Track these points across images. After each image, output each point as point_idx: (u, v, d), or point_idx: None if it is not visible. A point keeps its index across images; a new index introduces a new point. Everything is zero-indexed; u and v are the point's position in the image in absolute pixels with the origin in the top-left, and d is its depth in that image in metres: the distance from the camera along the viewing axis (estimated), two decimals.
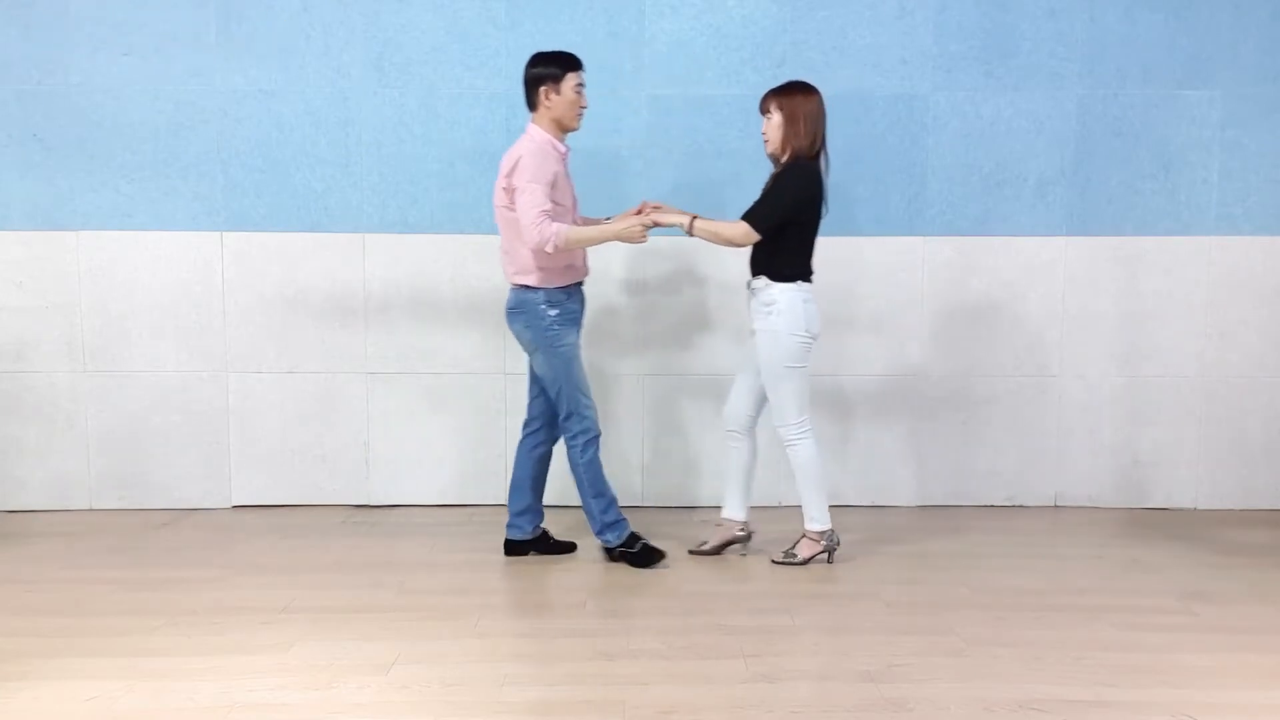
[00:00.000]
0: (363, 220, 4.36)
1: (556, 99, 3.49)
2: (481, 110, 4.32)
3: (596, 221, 3.66)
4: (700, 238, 3.54)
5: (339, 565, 3.67)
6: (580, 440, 3.61)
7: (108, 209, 4.31)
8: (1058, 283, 4.44)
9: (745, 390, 3.73)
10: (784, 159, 3.55)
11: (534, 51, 3.58)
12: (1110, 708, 2.53)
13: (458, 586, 3.44)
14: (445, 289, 4.40)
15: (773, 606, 3.25)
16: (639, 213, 3.60)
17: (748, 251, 3.61)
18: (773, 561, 3.70)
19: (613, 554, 3.69)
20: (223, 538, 4.03)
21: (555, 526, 3.90)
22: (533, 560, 3.75)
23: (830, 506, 3.70)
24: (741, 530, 3.80)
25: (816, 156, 3.53)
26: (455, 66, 4.31)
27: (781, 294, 3.53)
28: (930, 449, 4.51)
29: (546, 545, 3.83)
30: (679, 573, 3.61)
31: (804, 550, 3.69)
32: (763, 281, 3.56)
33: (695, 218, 3.51)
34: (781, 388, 3.58)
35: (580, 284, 3.67)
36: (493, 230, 4.35)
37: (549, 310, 3.54)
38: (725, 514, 3.82)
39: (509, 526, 3.80)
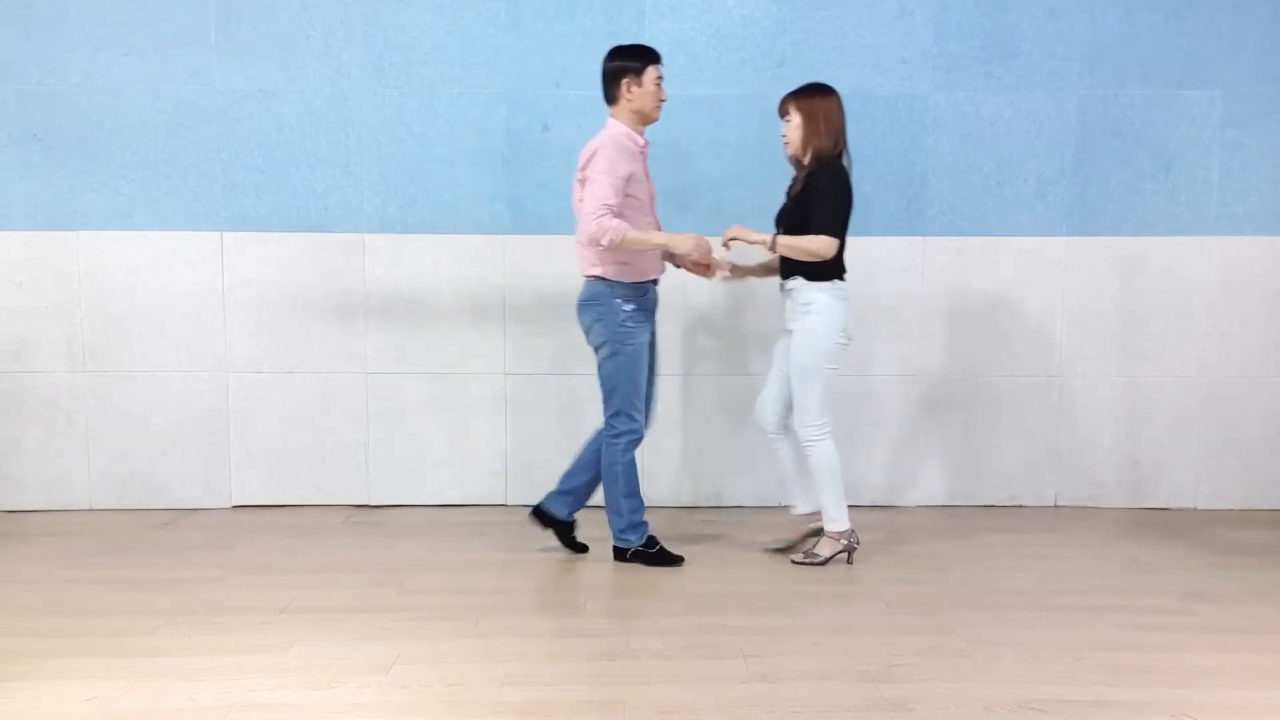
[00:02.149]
0: (363, 220, 4.37)
1: (638, 91, 3.51)
2: (481, 110, 4.32)
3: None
4: (783, 254, 3.54)
5: (339, 565, 3.67)
6: (624, 440, 3.61)
7: (108, 209, 4.31)
8: (1058, 283, 4.44)
9: (777, 390, 3.73)
10: (806, 160, 3.56)
11: (613, 46, 3.60)
12: (1110, 708, 2.53)
13: (458, 586, 3.44)
14: (445, 289, 4.40)
15: (773, 606, 3.25)
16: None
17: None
18: (793, 562, 3.70)
19: (628, 555, 3.69)
20: (223, 538, 4.03)
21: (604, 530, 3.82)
22: (532, 560, 3.74)
23: (853, 506, 3.72)
24: (817, 523, 3.79)
25: (839, 156, 3.55)
26: (455, 66, 4.31)
27: (819, 294, 3.54)
28: (930, 449, 4.51)
29: (567, 536, 3.81)
30: (679, 573, 3.61)
31: (825, 549, 3.69)
32: (799, 282, 3.57)
33: (775, 235, 3.53)
34: (811, 388, 3.58)
35: (656, 281, 3.65)
36: (492, 230, 4.38)
37: (624, 306, 3.53)
38: (796, 510, 3.82)
39: (549, 495, 3.78)
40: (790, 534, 3.84)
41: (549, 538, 3.82)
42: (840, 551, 3.70)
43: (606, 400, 3.62)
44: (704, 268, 3.70)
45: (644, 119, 3.56)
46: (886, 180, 4.38)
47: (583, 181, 3.49)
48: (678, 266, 3.73)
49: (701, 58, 4.32)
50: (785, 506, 3.93)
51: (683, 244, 3.52)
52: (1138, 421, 4.50)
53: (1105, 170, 4.39)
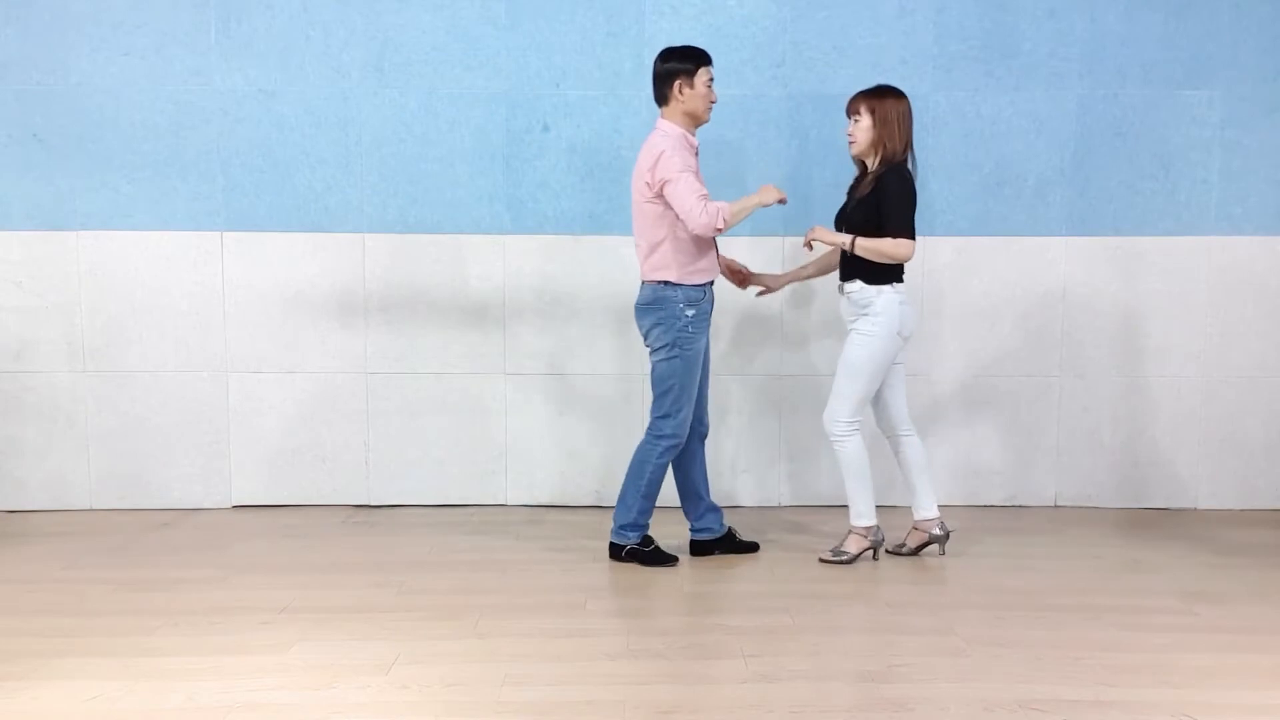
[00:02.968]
0: (363, 220, 4.36)
1: (690, 93, 3.53)
2: (481, 110, 4.32)
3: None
4: (863, 256, 3.53)
5: (339, 565, 3.67)
6: (664, 444, 3.62)
7: (108, 209, 4.31)
8: (1058, 283, 4.44)
9: (887, 391, 3.72)
10: (873, 161, 3.57)
11: (664, 48, 3.62)
12: (1110, 708, 2.53)
13: (458, 586, 3.44)
14: (445, 289, 4.40)
15: (773, 606, 3.25)
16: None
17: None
18: (820, 560, 3.70)
19: (622, 553, 3.69)
20: (223, 538, 4.03)
21: (657, 530, 3.80)
22: (532, 560, 3.75)
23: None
24: (939, 529, 3.78)
25: (906, 159, 3.57)
26: (455, 66, 4.31)
27: (878, 296, 3.56)
28: (930, 449, 4.50)
29: (731, 543, 3.83)
30: (679, 573, 3.61)
31: (853, 547, 3.70)
32: (858, 285, 3.58)
33: (855, 238, 3.53)
34: (854, 385, 3.60)
35: (713, 283, 3.66)
36: (491, 230, 4.37)
37: (687, 310, 3.55)
38: (918, 516, 3.80)
39: (695, 530, 3.80)
40: (911, 541, 3.82)
41: (551, 537, 3.82)
42: (867, 548, 3.70)
43: (658, 401, 3.62)
44: (740, 277, 3.82)
45: (695, 120, 3.58)
46: None
47: (651, 185, 3.49)
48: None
49: None
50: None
51: (769, 195, 3.55)
52: (1138, 421, 4.49)
53: (1105, 170, 4.39)
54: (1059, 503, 4.53)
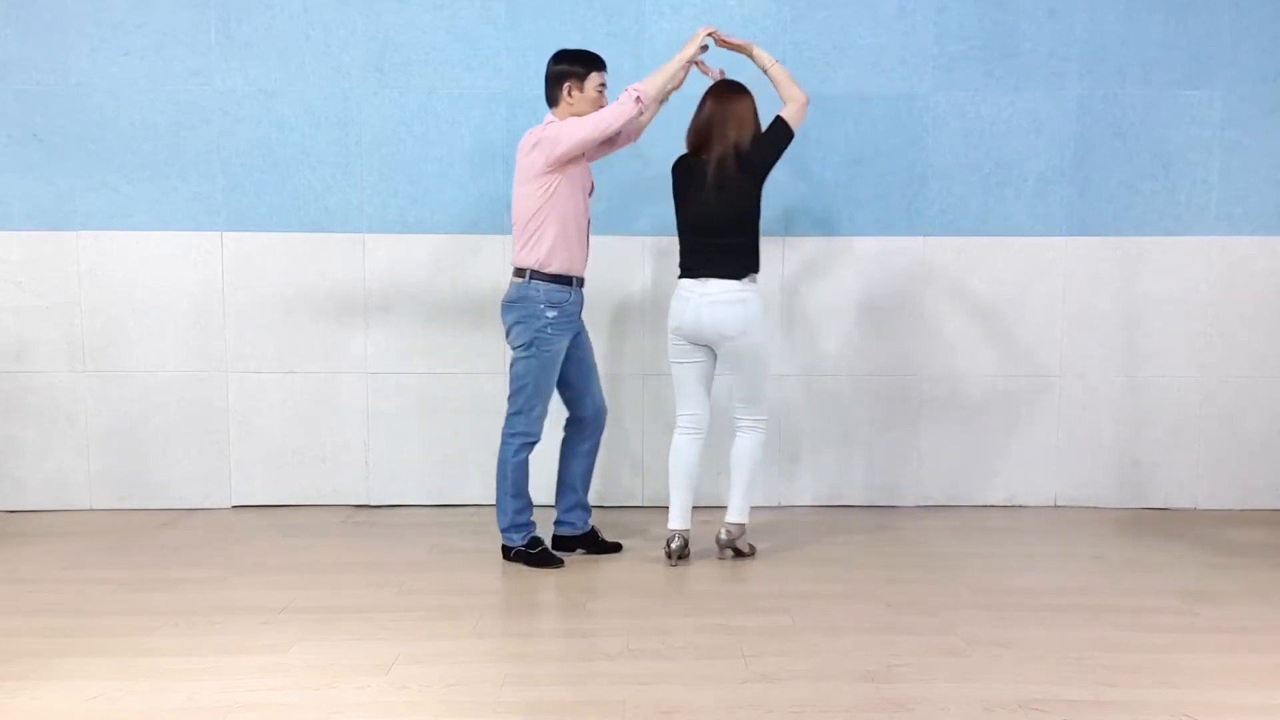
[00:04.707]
0: (363, 220, 4.37)
1: (579, 96, 3.55)
2: (481, 110, 4.32)
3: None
4: (777, 79, 3.59)
5: (339, 565, 3.67)
6: (518, 441, 3.64)
7: (108, 209, 4.31)
8: (1058, 283, 4.44)
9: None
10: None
11: (559, 49, 3.65)
12: (1110, 708, 2.53)
13: (458, 586, 3.44)
14: (445, 289, 4.40)
15: (773, 606, 3.25)
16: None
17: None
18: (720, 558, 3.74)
19: (511, 553, 3.70)
20: (223, 538, 4.03)
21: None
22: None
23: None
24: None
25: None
26: (455, 66, 4.31)
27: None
28: (930, 449, 4.51)
29: (596, 543, 3.83)
30: (679, 572, 3.61)
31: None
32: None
33: (775, 63, 3.61)
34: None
35: (580, 283, 3.67)
36: (490, 230, 4.37)
37: (547, 311, 3.55)
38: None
39: (558, 524, 3.82)
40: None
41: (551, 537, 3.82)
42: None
43: (511, 398, 3.65)
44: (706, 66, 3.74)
45: None
46: (887, 180, 4.38)
47: (532, 162, 3.50)
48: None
49: (702, 58, 4.31)
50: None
51: (691, 45, 3.58)
52: (1138, 421, 4.49)
53: (1105, 170, 4.39)
54: (1059, 503, 4.53)
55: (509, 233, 4.36)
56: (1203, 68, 4.34)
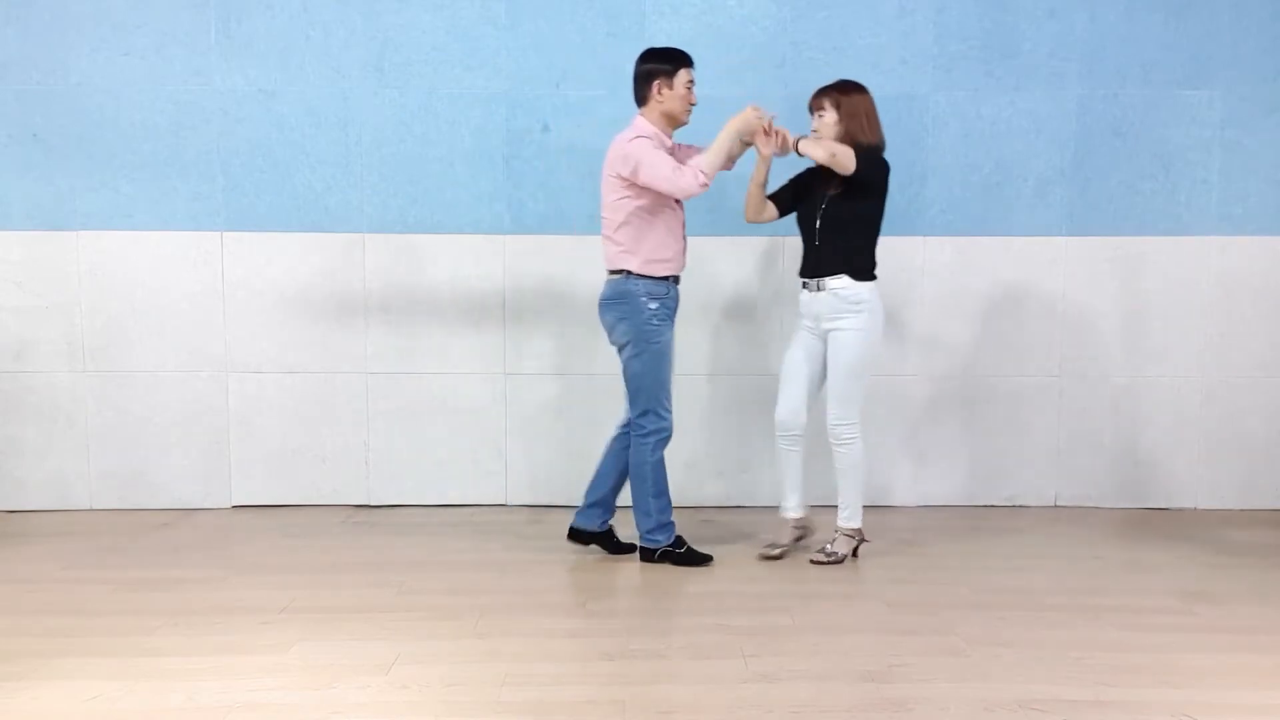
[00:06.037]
0: (363, 220, 4.37)
1: (669, 93, 3.54)
2: (481, 110, 4.32)
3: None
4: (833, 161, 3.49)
5: (339, 565, 3.67)
6: (653, 439, 3.61)
7: (108, 209, 4.31)
8: (1058, 283, 4.44)
9: (806, 393, 3.73)
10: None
11: (646, 48, 3.64)
12: (1110, 708, 2.53)
13: (458, 586, 3.44)
14: (445, 289, 4.40)
15: (773, 606, 3.25)
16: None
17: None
18: (812, 561, 3.69)
19: (655, 555, 3.67)
20: (223, 538, 4.03)
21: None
22: (532, 560, 3.74)
23: (832, 507, 3.74)
24: (806, 527, 3.82)
25: (880, 148, 3.60)
26: (455, 66, 4.31)
27: (868, 290, 3.59)
28: (930, 449, 4.51)
29: (610, 543, 3.80)
30: (679, 572, 3.61)
31: (843, 547, 3.73)
32: (844, 281, 3.58)
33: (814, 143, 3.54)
34: (859, 384, 3.64)
35: (678, 278, 3.65)
36: (490, 230, 4.38)
37: (649, 303, 3.54)
38: (790, 514, 3.81)
39: (579, 513, 3.79)
40: (785, 538, 3.82)
41: (551, 537, 3.82)
42: (855, 547, 3.73)
43: (633, 400, 3.62)
44: (780, 137, 3.60)
45: (673, 122, 3.58)
46: None
47: (619, 177, 3.48)
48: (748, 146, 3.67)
49: (702, 58, 4.28)
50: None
51: (745, 120, 3.53)
52: (1138, 421, 4.49)
53: (1105, 170, 4.39)
54: (1059, 503, 4.53)
55: (509, 233, 4.38)
56: (1203, 68, 4.34)
